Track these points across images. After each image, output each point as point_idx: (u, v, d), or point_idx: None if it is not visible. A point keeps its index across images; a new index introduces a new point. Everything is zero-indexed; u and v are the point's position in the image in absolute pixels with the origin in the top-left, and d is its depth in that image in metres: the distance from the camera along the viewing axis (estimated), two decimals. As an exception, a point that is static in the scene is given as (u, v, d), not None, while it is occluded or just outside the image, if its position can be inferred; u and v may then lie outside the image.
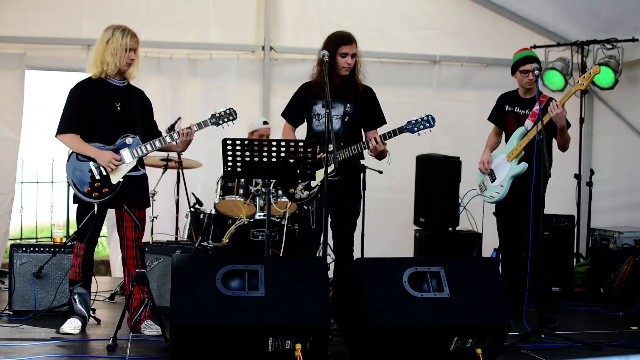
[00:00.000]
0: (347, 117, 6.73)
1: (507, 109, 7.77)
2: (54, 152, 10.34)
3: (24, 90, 9.74)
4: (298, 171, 6.21)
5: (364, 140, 6.96)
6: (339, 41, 6.95)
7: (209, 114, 6.80)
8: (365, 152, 7.05)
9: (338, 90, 6.88)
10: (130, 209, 6.69)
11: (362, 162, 7.28)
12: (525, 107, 7.67)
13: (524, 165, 7.41)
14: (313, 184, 6.80)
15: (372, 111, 7.14)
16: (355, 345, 5.92)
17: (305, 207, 6.88)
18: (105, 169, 6.52)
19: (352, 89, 6.94)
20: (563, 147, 7.62)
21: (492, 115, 8.02)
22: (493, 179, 7.68)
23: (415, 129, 6.89)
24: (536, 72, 7.19)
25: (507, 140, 7.77)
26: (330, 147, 6.50)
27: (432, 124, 6.90)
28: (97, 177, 6.52)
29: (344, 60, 6.91)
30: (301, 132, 7.26)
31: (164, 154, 8.23)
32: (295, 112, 7.18)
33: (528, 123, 7.51)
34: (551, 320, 7.19)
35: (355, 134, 7.01)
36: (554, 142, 7.60)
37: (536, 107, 7.37)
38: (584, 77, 7.37)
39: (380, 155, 6.94)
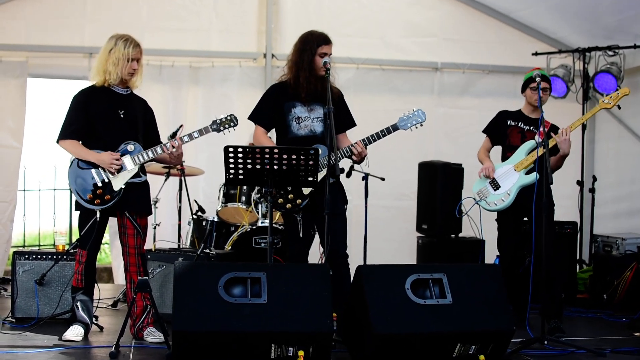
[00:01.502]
0: (328, 120, 6.55)
1: (509, 123, 7.76)
2: (56, 159, 10.35)
3: (26, 97, 9.78)
4: (302, 178, 6.19)
5: (345, 146, 6.78)
6: (319, 41, 6.80)
7: (211, 121, 6.80)
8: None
9: (315, 92, 6.79)
10: (132, 216, 6.69)
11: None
12: (530, 124, 7.68)
13: (534, 175, 7.28)
14: (305, 191, 6.72)
15: (344, 114, 7.03)
16: (357, 352, 5.92)
17: (295, 215, 6.78)
18: (107, 175, 6.53)
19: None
20: (553, 169, 7.62)
21: (489, 128, 7.98)
22: (496, 188, 7.63)
23: (408, 124, 6.83)
24: (537, 78, 7.16)
25: (506, 152, 7.77)
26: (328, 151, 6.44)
27: (423, 118, 6.84)
28: (99, 184, 6.52)
29: (322, 61, 6.74)
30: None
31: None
32: (269, 115, 6.93)
33: (538, 139, 7.47)
34: (559, 330, 7.20)
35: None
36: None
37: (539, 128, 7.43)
38: (611, 97, 7.36)
39: (363, 159, 6.86)
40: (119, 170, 6.55)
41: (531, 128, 7.65)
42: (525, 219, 7.69)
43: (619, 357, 6.44)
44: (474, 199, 7.78)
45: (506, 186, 7.56)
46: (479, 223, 8.08)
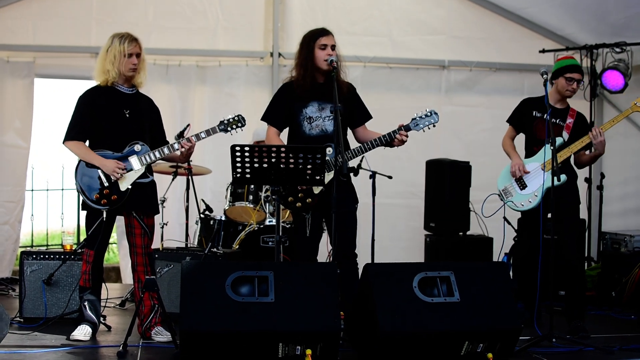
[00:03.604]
0: (340, 117, 6.52)
1: (535, 114, 7.56)
2: (64, 159, 10.37)
3: (33, 98, 9.79)
4: (308, 177, 6.17)
5: (382, 135, 6.69)
6: (315, 34, 6.77)
7: (218, 121, 6.80)
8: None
9: (324, 90, 6.75)
10: (139, 216, 6.69)
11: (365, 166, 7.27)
12: (557, 116, 7.49)
13: (563, 177, 7.16)
14: (316, 190, 6.70)
15: (359, 107, 7.02)
16: (365, 350, 5.91)
17: (305, 214, 6.77)
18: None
19: (338, 89, 6.51)
20: (583, 165, 7.57)
21: (512, 118, 7.77)
22: (523, 187, 7.50)
23: (421, 125, 6.77)
24: (545, 76, 7.05)
25: (532, 145, 7.60)
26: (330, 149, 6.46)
27: (436, 119, 6.78)
28: (106, 184, 6.53)
29: (324, 53, 6.68)
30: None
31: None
32: (280, 115, 6.90)
33: (565, 135, 7.37)
34: (583, 330, 7.14)
35: (345, 134, 6.85)
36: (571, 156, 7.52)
37: (569, 120, 7.43)
38: None
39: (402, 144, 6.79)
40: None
41: (558, 121, 7.48)
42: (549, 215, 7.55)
43: (627, 355, 6.43)
44: (499, 196, 7.68)
45: (533, 187, 7.40)
46: (491, 220, 8.08)
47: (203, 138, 6.72)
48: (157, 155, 6.64)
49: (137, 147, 6.63)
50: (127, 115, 6.67)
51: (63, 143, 6.69)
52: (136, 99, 6.79)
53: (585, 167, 7.58)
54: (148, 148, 6.65)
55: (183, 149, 6.63)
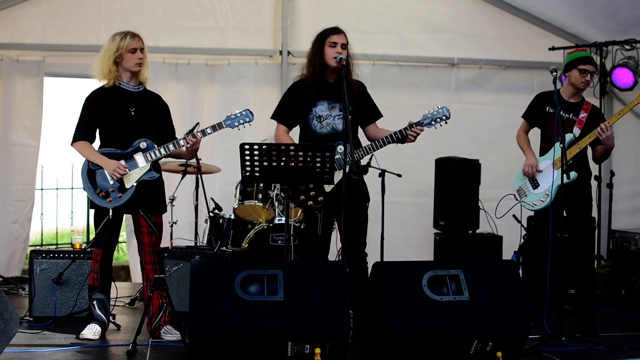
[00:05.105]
0: (350, 116, 6.53)
1: (547, 110, 7.50)
2: (73, 158, 10.36)
3: (42, 97, 9.81)
4: (317, 175, 6.16)
5: (394, 132, 6.71)
6: (326, 32, 6.79)
7: (225, 117, 6.77)
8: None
9: (333, 88, 6.77)
10: (146, 214, 6.69)
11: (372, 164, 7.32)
12: (569, 111, 7.45)
13: (573, 174, 7.01)
14: (328, 188, 6.69)
15: (369, 105, 7.04)
16: (374, 349, 5.91)
17: (317, 212, 6.76)
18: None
19: (348, 88, 6.54)
20: (599, 160, 7.54)
21: (527, 114, 7.73)
22: (535, 186, 7.47)
23: (433, 122, 6.75)
24: (554, 73, 6.99)
25: (545, 142, 7.59)
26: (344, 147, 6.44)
27: (448, 115, 6.76)
28: (111, 182, 6.54)
29: (333, 50, 6.70)
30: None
31: (182, 160, 8.19)
32: (290, 113, 6.92)
33: (577, 130, 7.34)
34: (591, 328, 7.12)
35: (355, 132, 6.90)
36: (589, 150, 7.51)
37: (583, 115, 7.41)
38: None
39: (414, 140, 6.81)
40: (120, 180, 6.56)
41: (570, 116, 7.43)
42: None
43: (637, 353, 6.41)
44: (515, 196, 7.65)
45: (545, 185, 7.36)
46: (500, 218, 8.05)
47: (209, 134, 6.69)
48: (163, 152, 6.63)
49: (143, 145, 6.63)
50: (133, 113, 6.67)
51: (71, 144, 6.72)
52: (142, 96, 6.79)
53: (602, 161, 7.53)
54: (154, 145, 6.65)
55: (188, 145, 6.63)
